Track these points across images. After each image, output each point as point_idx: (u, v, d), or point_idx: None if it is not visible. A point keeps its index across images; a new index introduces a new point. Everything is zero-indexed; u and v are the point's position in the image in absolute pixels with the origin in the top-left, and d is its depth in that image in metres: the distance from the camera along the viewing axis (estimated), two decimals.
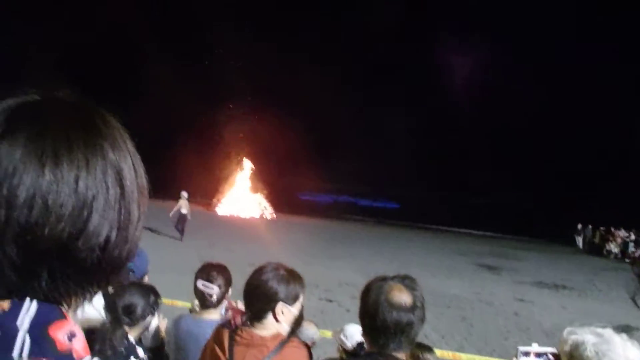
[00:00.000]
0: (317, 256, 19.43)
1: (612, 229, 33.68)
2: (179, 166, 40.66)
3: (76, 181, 0.70)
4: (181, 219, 21.29)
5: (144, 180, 0.81)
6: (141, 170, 0.81)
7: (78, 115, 0.76)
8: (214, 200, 39.80)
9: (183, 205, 21.62)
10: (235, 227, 28.70)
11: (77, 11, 52.45)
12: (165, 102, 48.26)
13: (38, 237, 0.67)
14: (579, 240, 36.20)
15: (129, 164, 0.78)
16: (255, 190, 42.62)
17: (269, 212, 39.84)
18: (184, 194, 22.22)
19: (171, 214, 21.51)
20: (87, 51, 51.12)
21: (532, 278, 19.87)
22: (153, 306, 3.07)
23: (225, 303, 3.63)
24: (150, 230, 21.40)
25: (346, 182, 57.28)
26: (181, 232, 21.07)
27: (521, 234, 40.59)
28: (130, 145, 0.80)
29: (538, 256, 28.06)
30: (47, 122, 0.72)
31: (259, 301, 2.55)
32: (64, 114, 0.74)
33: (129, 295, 2.98)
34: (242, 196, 41.15)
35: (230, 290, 3.63)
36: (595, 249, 33.71)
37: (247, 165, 44.35)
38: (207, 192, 40.13)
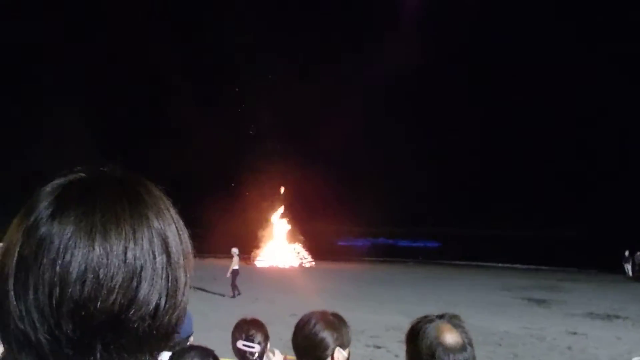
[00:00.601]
0: (360, 301, 19.20)
1: None
2: (215, 221, 41.08)
3: (125, 252, 0.71)
4: (234, 275, 21.37)
5: (188, 245, 0.84)
6: (185, 235, 0.83)
7: (123, 189, 0.79)
8: (252, 253, 39.87)
9: (235, 261, 21.77)
10: (275, 279, 28.64)
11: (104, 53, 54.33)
12: (195, 155, 49.21)
13: (91, 311, 0.68)
14: (628, 268, 34.96)
15: (174, 231, 0.80)
16: (292, 239, 42.67)
17: (307, 260, 39.68)
18: (235, 250, 22.40)
19: (228, 274, 21.62)
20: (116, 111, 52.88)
21: (582, 310, 19.26)
22: None
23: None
24: (193, 288, 21.42)
25: (383, 224, 56.95)
26: (236, 287, 21.12)
27: (566, 265, 39.46)
28: (173, 212, 0.83)
29: (587, 287, 27.19)
30: (95, 198, 0.75)
31: (315, 351, 2.53)
32: (110, 189, 0.78)
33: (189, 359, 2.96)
34: (279, 247, 41.20)
35: (268, 343, 3.60)
36: None
37: (283, 215, 44.63)
38: (244, 245, 40.41)
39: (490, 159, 57.16)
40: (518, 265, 40.88)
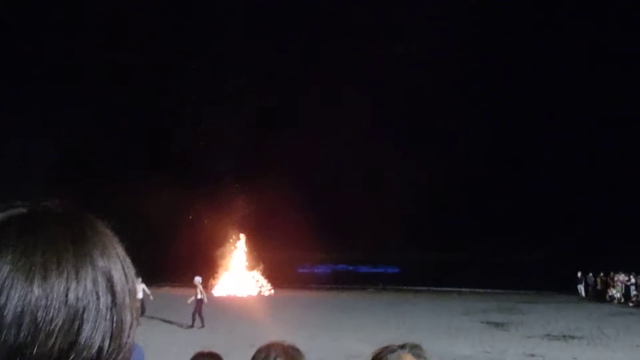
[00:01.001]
0: (321, 330, 19.04)
1: (612, 274, 33.46)
2: (173, 249, 40.36)
3: (66, 293, 0.66)
4: (198, 305, 20.88)
5: (135, 284, 0.78)
6: (132, 273, 0.78)
7: (66, 226, 0.73)
8: (210, 281, 39.25)
9: (199, 291, 21.32)
10: (233, 308, 28.22)
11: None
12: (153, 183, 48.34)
13: (27, 357, 0.63)
14: (581, 289, 35.94)
15: (119, 270, 0.75)
16: (251, 267, 42.22)
17: (266, 288, 39.29)
18: (198, 279, 21.94)
19: (189, 301, 21.14)
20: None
21: (540, 331, 19.55)
22: None
23: None
24: (150, 317, 21.02)
25: (343, 251, 56.79)
26: (201, 319, 20.62)
27: (524, 287, 40.14)
28: (119, 250, 0.78)
29: (543, 308, 27.68)
30: (35, 236, 0.70)
31: None
32: (52, 226, 0.72)
33: None
34: (238, 275, 40.68)
35: None
36: (598, 296, 33.46)
37: (242, 242, 44.15)
38: (202, 273, 39.74)
39: (450, 183, 57.68)
40: (478, 289, 41.36)
